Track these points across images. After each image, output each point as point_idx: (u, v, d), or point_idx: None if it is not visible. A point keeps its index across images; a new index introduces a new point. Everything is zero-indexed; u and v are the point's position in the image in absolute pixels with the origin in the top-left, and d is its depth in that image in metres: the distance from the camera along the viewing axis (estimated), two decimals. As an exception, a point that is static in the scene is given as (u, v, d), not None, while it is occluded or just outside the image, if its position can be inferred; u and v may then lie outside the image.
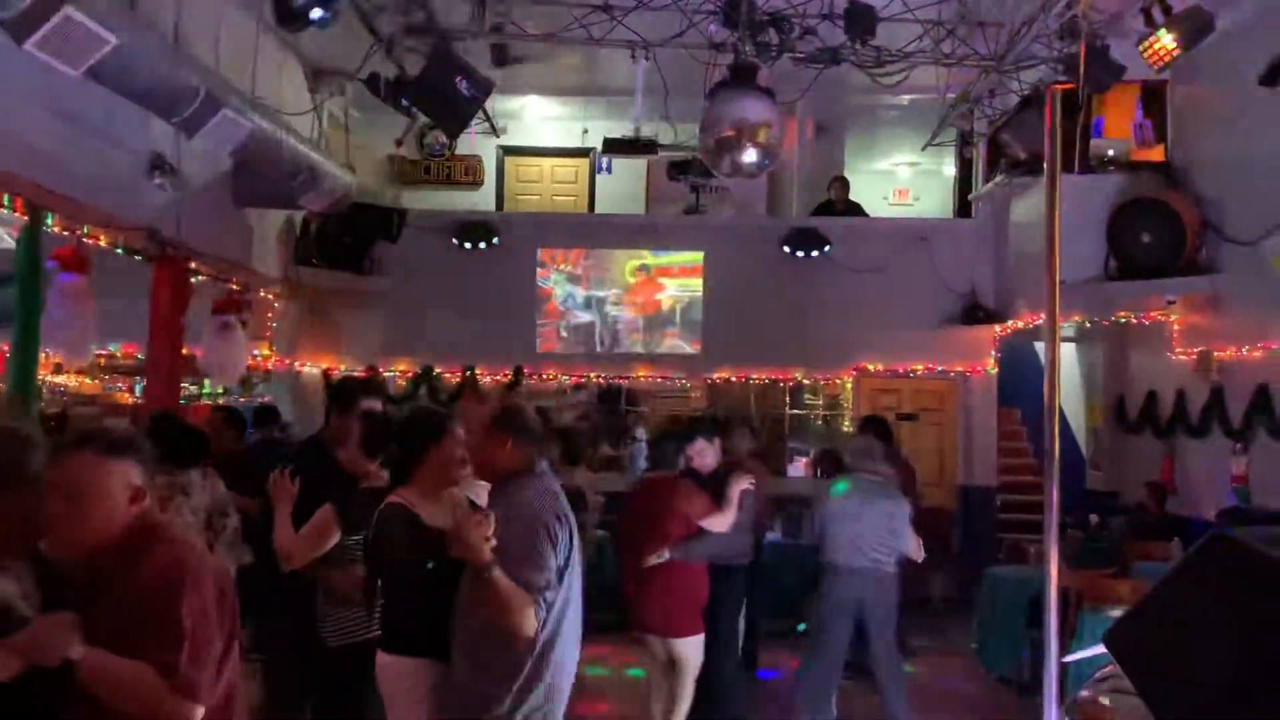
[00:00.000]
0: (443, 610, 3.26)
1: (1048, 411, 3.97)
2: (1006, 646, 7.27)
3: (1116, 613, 5.81)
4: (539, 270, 11.03)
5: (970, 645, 8.01)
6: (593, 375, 11.23)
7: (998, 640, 7.39)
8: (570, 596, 3.27)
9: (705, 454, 5.66)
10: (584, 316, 11.11)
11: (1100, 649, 1.71)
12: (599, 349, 11.06)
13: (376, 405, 4.56)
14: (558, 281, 11.09)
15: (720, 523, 5.40)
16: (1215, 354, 8.62)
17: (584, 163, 12.68)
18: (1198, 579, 1.47)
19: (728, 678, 5.79)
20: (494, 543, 3.01)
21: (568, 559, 3.20)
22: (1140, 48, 5.93)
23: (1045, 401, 4.06)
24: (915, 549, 6.13)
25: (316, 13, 5.01)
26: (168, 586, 2.19)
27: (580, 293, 11.12)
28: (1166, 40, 5.74)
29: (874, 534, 6.00)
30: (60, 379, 10.71)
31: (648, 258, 11.10)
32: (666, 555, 5.36)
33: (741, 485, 5.49)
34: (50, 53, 4.58)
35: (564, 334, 11.06)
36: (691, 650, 5.42)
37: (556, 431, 8.25)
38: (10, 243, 10.94)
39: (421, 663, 3.38)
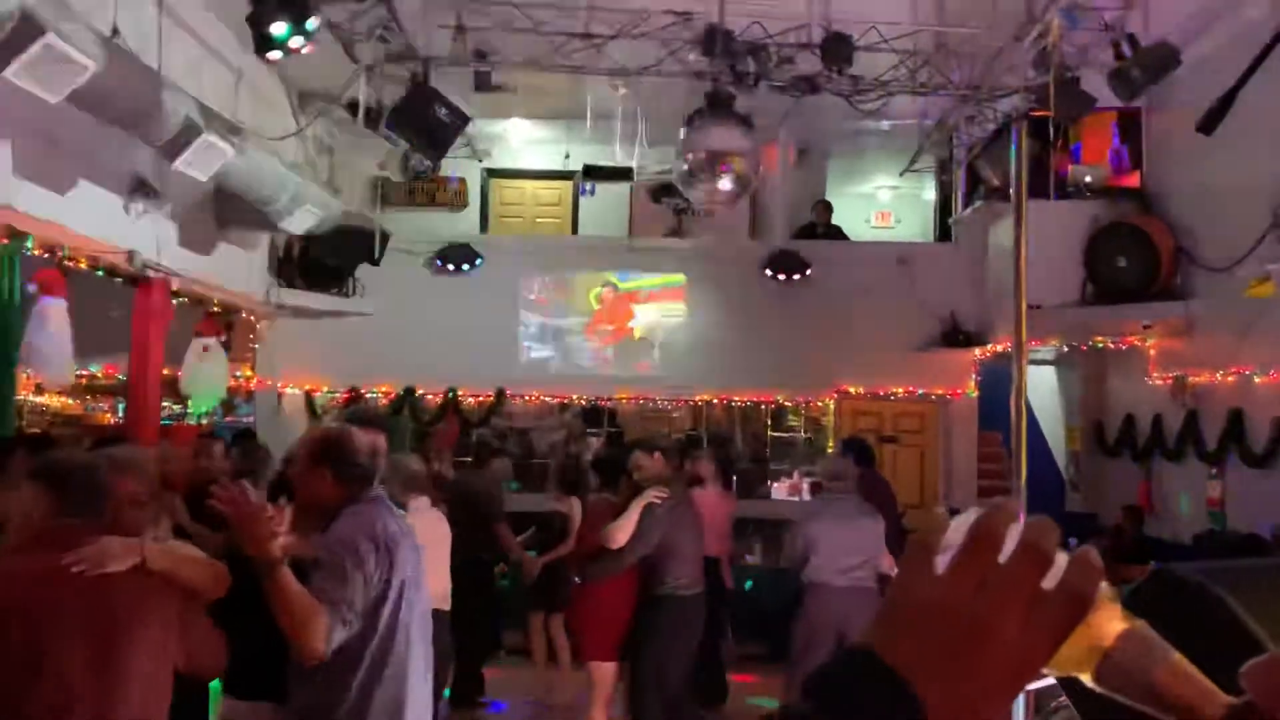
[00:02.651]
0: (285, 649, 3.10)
1: (1015, 439, 4.02)
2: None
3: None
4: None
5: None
6: (575, 397, 11.26)
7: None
8: (397, 632, 3.06)
9: (644, 468, 5.56)
10: (541, 351, 11.12)
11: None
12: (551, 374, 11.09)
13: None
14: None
15: (610, 539, 5.27)
16: (1190, 379, 8.70)
17: (568, 185, 12.73)
18: (1141, 615, 1.51)
19: (649, 711, 5.51)
20: (283, 540, 2.89)
21: (385, 586, 3.00)
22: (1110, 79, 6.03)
23: (1013, 427, 4.11)
24: (890, 565, 6.14)
25: (296, 41, 5.06)
26: None
27: (535, 321, 11.12)
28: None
29: (857, 553, 6.02)
30: (42, 399, 10.71)
31: (612, 278, 11.14)
32: (575, 579, 5.57)
33: (643, 501, 5.32)
34: (30, 80, 4.61)
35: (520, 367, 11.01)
36: (598, 674, 5.52)
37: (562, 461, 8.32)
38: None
39: (264, 706, 3.28)
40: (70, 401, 12.17)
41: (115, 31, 5.54)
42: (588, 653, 5.60)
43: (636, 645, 5.47)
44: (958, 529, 0.69)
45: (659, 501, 5.36)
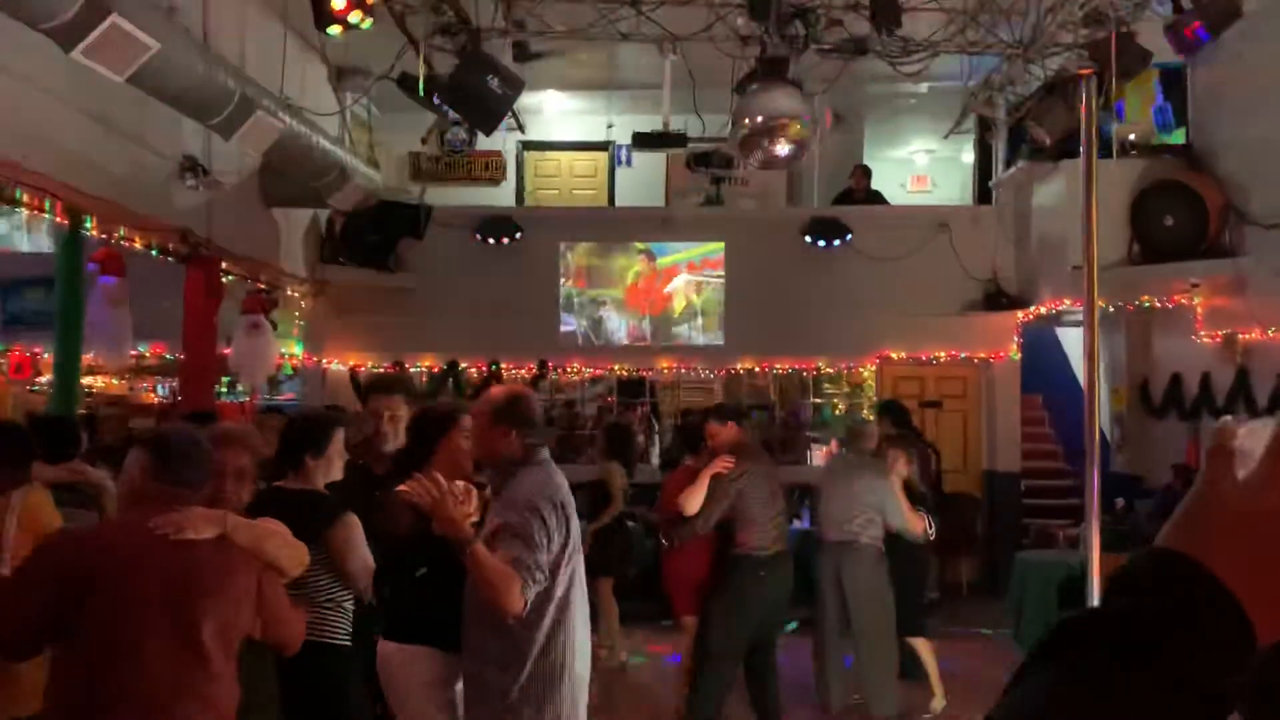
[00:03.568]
0: (447, 598, 3.31)
1: (1087, 396, 4.02)
2: (1040, 630, 7.32)
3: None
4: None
5: (998, 630, 8.11)
6: (615, 367, 11.30)
7: (1031, 624, 7.46)
8: (574, 584, 3.32)
9: (716, 436, 5.77)
10: (581, 322, 11.15)
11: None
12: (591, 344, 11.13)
13: None
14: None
15: (684, 506, 5.55)
16: (1241, 336, 8.63)
17: (603, 156, 12.71)
18: None
19: (709, 668, 5.70)
20: (475, 518, 3.13)
21: (564, 544, 3.24)
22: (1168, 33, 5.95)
23: (1085, 387, 4.11)
24: (909, 523, 6.16)
25: (354, 16, 5.08)
26: None
27: (574, 292, 11.09)
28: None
29: (850, 508, 6.17)
30: (86, 380, 10.83)
31: (648, 249, 11.15)
32: (665, 543, 5.96)
33: (710, 469, 5.53)
34: (96, 60, 4.65)
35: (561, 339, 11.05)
36: (687, 625, 5.95)
37: (607, 427, 8.48)
38: (28, 246, 11.12)
39: (424, 650, 3.48)
40: (115, 382, 12.33)
41: (172, 9, 5.57)
42: (679, 608, 5.96)
43: (706, 603, 5.67)
44: (1251, 436, 0.70)
45: (725, 470, 5.50)
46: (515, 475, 3.29)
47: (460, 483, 3.16)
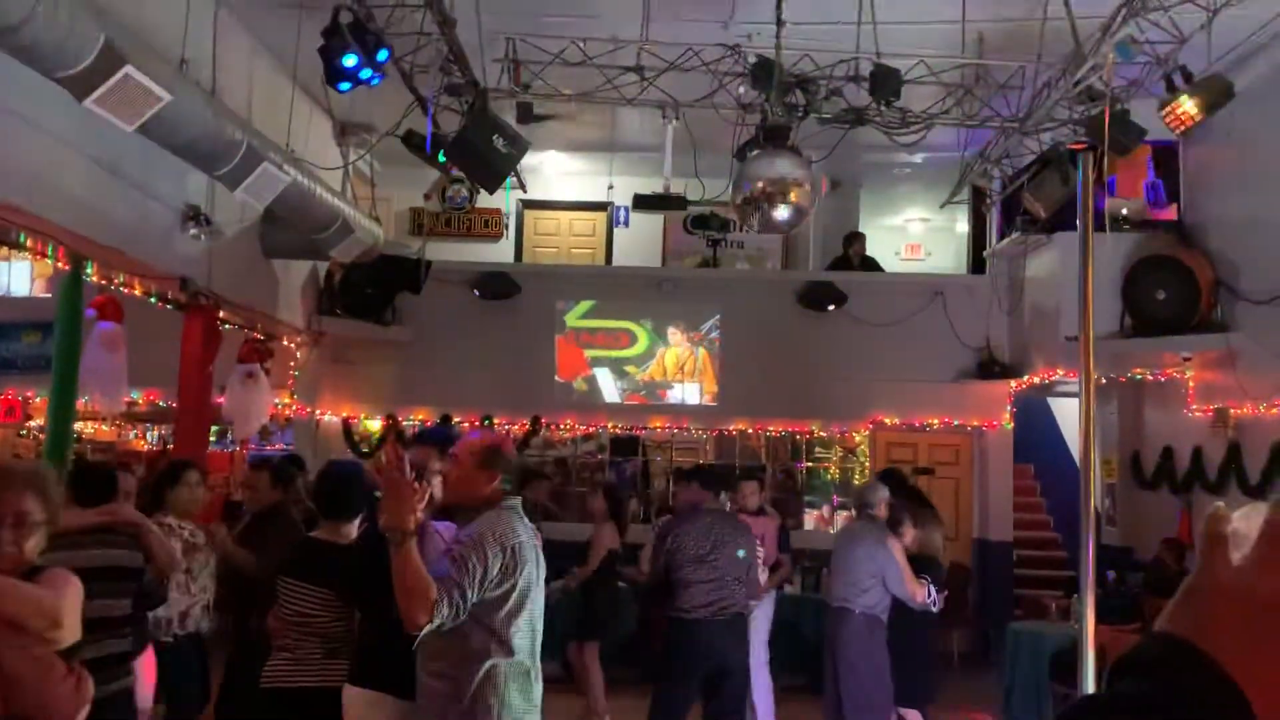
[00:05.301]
0: (406, 646, 3.30)
1: (1083, 469, 4.04)
2: (1031, 701, 7.28)
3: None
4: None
5: (990, 699, 8.03)
6: (609, 425, 11.29)
7: (1023, 694, 7.40)
8: (518, 632, 3.28)
9: (676, 495, 6.20)
10: (575, 379, 11.18)
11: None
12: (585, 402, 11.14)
13: None
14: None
15: (642, 561, 6.03)
16: (1232, 411, 8.68)
17: (602, 216, 12.84)
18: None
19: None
20: (420, 517, 3.18)
21: (510, 589, 3.23)
22: (1161, 113, 6.08)
23: (1080, 458, 4.13)
24: (910, 591, 6.03)
25: (365, 73, 5.16)
26: None
27: (569, 349, 11.17)
28: (1189, 106, 5.91)
29: (845, 575, 6.15)
30: (76, 425, 10.78)
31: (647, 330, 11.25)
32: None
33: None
34: (108, 110, 4.71)
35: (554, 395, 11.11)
36: None
37: (605, 487, 8.49)
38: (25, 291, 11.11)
39: (380, 696, 3.56)
40: (105, 427, 12.28)
41: (184, 62, 5.65)
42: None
43: (660, 672, 5.82)
44: (1246, 519, 0.72)
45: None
46: (479, 514, 3.33)
47: (421, 484, 3.20)
